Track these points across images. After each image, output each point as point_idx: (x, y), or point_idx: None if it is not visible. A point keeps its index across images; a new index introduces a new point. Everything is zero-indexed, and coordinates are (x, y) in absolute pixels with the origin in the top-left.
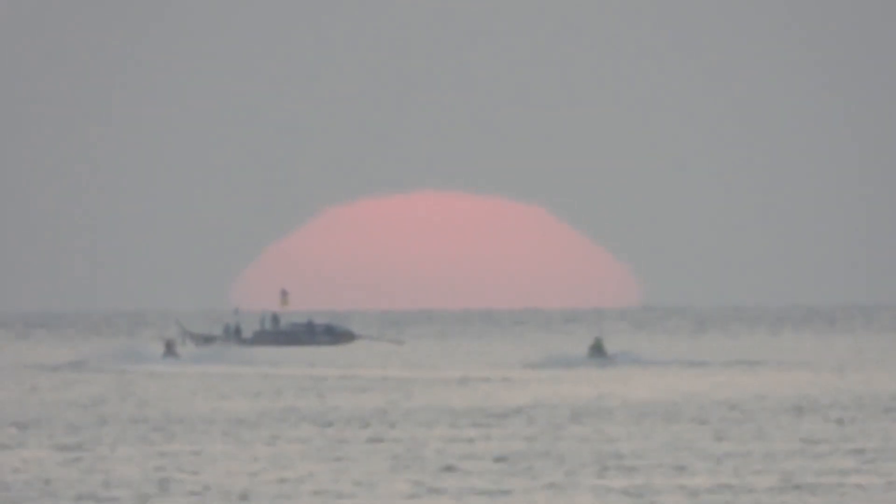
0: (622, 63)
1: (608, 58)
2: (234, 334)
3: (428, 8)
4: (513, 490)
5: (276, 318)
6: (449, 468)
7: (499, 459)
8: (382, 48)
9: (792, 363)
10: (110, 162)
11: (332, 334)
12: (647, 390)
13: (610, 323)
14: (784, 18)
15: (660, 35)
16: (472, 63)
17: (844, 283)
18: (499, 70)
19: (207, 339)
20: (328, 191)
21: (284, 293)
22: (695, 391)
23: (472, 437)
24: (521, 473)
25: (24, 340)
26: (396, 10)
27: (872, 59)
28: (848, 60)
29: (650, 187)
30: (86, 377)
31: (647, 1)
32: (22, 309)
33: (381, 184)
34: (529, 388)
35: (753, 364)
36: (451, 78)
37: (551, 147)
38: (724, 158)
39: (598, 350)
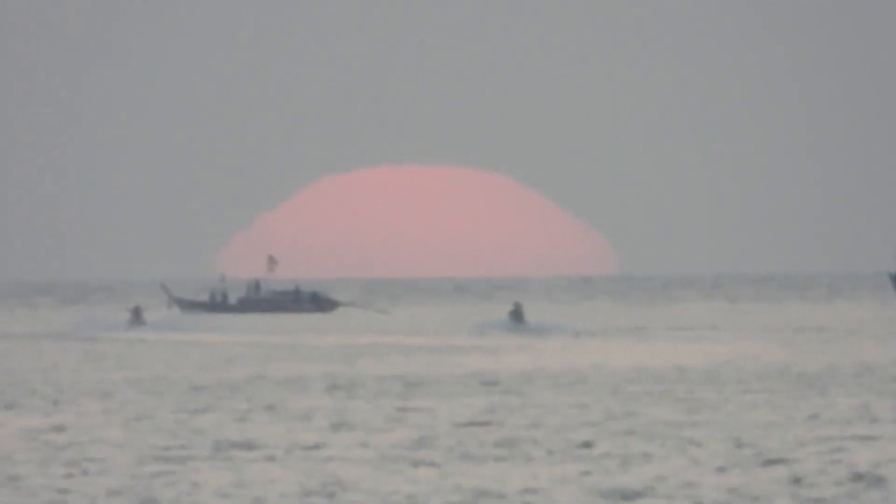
0: (594, 29)
1: (579, 23)
2: (220, 301)
3: None
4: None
5: (257, 285)
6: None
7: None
8: (351, 28)
9: (714, 332)
10: (99, 131)
11: (317, 302)
12: (535, 358)
13: (563, 292)
14: None
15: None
16: (438, 37)
17: (829, 251)
18: (466, 43)
19: (194, 305)
20: (322, 160)
21: (272, 259)
22: (594, 359)
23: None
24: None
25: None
26: None
27: (828, 37)
28: (805, 38)
29: (626, 158)
30: (42, 345)
31: None
32: (8, 278)
33: (373, 155)
34: (418, 356)
35: (687, 332)
36: (420, 54)
37: (526, 120)
38: (698, 127)
39: (517, 316)
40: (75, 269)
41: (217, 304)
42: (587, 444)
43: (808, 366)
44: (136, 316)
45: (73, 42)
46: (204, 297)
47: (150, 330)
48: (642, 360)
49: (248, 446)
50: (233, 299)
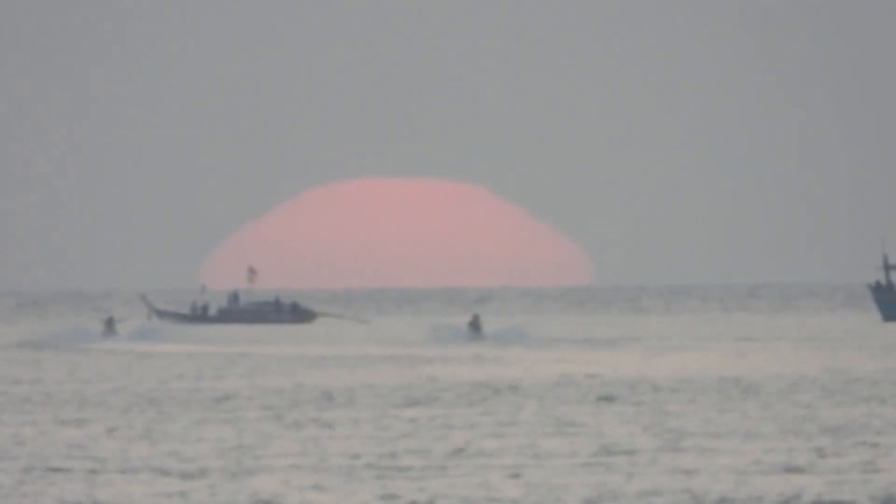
0: (569, 40)
1: (555, 33)
2: (201, 312)
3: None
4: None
5: (236, 297)
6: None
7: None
8: (342, 45)
9: (679, 342)
10: (83, 143)
11: (297, 312)
12: (491, 368)
13: (537, 302)
14: None
15: (602, 8)
16: (418, 52)
17: (809, 261)
18: (443, 56)
19: (175, 317)
20: (304, 173)
21: (252, 271)
22: (537, 369)
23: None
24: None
25: None
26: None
27: (810, 41)
28: (789, 47)
29: (599, 167)
30: (8, 355)
31: None
32: None
33: (353, 168)
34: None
35: (633, 342)
36: (399, 68)
37: (501, 130)
38: (675, 137)
39: (475, 327)
40: (61, 280)
41: (197, 316)
42: (459, 452)
43: (742, 374)
44: (109, 327)
45: (56, 53)
46: (185, 309)
47: (122, 341)
48: (580, 370)
49: (98, 460)
50: (213, 310)
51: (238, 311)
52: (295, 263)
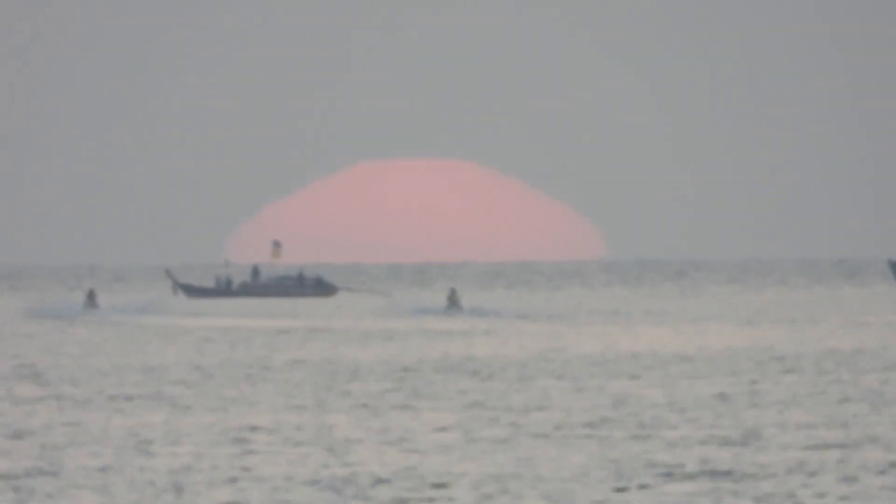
0: (571, 12)
1: (555, 7)
2: (225, 286)
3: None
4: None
5: (256, 271)
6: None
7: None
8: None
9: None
10: (110, 122)
11: (320, 286)
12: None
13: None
14: None
15: None
16: (409, 35)
17: (822, 237)
18: (453, 39)
19: (200, 291)
20: (331, 154)
21: (277, 244)
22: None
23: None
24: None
25: None
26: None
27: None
28: (786, 23)
29: (607, 143)
30: None
31: None
32: (11, 262)
33: (375, 149)
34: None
35: (612, 318)
36: (410, 50)
37: (515, 114)
38: (684, 111)
39: (453, 301)
40: (85, 255)
41: (222, 290)
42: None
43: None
44: (90, 299)
45: (87, 27)
46: (210, 283)
47: (104, 313)
48: (548, 345)
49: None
50: (235, 285)
51: (260, 286)
52: (320, 239)
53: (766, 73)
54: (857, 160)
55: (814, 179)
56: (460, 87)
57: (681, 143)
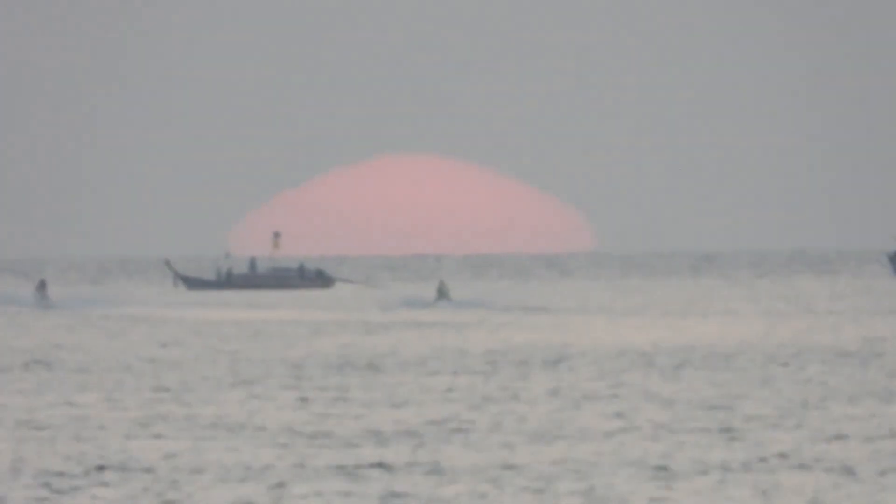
0: (563, 5)
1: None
2: (225, 278)
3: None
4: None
5: (253, 263)
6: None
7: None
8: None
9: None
10: (121, 110)
11: (320, 279)
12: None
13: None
14: None
15: None
16: (408, 35)
17: (818, 228)
18: (454, 40)
19: (200, 283)
20: (336, 149)
21: (277, 235)
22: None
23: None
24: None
25: None
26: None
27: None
28: (781, 14)
29: (596, 136)
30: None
31: None
32: (17, 254)
33: (378, 145)
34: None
35: (588, 312)
36: (419, 53)
37: (506, 109)
38: (676, 102)
39: (442, 293)
40: (95, 247)
41: (222, 282)
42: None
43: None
44: (40, 290)
45: (102, 17)
46: (211, 276)
47: (52, 305)
48: (525, 338)
49: None
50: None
51: (258, 277)
52: (323, 230)
53: (753, 67)
54: (847, 153)
55: (802, 172)
56: (451, 82)
57: (669, 136)
